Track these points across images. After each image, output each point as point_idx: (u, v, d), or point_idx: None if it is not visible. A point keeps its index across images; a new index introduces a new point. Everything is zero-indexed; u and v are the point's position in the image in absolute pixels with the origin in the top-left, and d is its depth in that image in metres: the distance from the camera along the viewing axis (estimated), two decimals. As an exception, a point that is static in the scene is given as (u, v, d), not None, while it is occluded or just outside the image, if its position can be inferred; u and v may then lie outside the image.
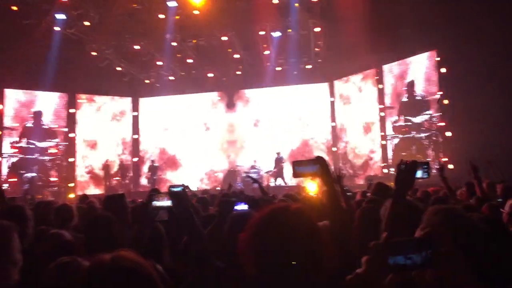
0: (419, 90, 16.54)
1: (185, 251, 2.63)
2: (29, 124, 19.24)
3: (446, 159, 14.56)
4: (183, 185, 2.57)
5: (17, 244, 2.19)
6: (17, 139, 18.83)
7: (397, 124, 17.34)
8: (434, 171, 12.31)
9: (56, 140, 19.74)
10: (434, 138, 15.85)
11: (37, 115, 19.48)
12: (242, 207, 3.03)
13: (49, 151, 19.60)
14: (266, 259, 1.71)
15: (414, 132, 16.58)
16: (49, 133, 19.73)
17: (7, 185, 17.82)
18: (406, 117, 16.96)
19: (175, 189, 2.54)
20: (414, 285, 1.52)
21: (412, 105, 16.70)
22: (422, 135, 16.26)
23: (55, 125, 19.99)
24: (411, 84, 16.77)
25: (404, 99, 17.08)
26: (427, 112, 16.05)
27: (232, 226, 2.51)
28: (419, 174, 2.52)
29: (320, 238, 1.77)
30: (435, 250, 1.27)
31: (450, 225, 1.66)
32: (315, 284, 1.71)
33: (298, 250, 1.69)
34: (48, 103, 19.95)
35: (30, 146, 18.99)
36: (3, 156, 18.47)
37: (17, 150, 18.78)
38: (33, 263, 2.54)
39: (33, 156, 18.98)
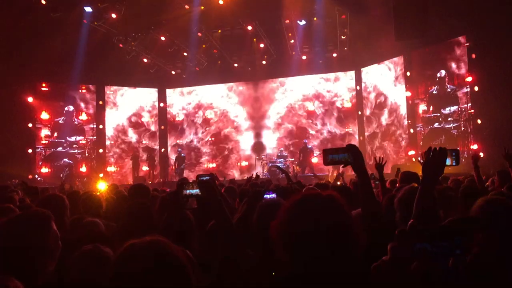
0: (449, 78, 16.20)
1: (211, 236, 2.67)
2: (61, 120, 19.67)
3: (476, 147, 14.26)
4: (211, 173, 2.63)
5: (54, 233, 2.24)
6: (49, 132, 19.32)
7: (426, 115, 17.05)
8: (463, 160, 12.08)
9: (84, 136, 20.12)
10: (463, 129, 15.54)
11: (69, 113, 19.87)
12: (271, 196, 3.05)
13: (80, 142, 20.02)
14: (297, 246, 1.72)
15: (444, 123, 16.29)
16: (79, 129, 20.15)
17: (38, 177, 18.32)
18: (435, 108, 16.66)
19: (203, 178, 2.60)
20: (438, 272, 1.50)
21: (442, 97, 16.38)
22: (452, 125, 15.97)
23: (84, 117, 20.37)
24: (441, 78, 16.40)
25: (434, 91, 16.75)
26: (456, 105, 15.76)
27: (262, 214, 2.53)
28: (448, 161, 2.49)
29: (352, 225, 1.76)
30: (465, 238, 1.25)
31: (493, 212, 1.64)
32: (346, 272, 1.71)
33: (329, 237, 1.69)
34: (78, 95, 20.35)
35: (61, 140, 19.46)
36: (36, 149, 18.97)
37: (47, 142, 19.27)
38: (68, 252, 2.61)
39: (64, 150, 19.45)
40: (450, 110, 16.05)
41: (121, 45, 17.94)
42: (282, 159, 19.19)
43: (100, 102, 20.90)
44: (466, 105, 15.37)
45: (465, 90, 15.40)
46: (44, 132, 19.24)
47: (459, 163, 2.60)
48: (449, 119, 16.09)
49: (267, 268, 2.14)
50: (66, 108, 19.81)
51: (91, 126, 20.44)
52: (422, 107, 17.27)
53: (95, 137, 20.33)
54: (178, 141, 22.51)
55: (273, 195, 3.10)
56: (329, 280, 1.67)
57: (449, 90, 16.15)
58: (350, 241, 1.72)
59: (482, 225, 1.70)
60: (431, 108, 16.89)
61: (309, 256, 1.69)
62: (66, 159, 19.17)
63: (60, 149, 19.42)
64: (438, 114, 16.51)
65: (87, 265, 2.26)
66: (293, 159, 19.69)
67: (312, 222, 1.70)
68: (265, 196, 3.02)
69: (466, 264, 1.31)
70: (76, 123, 20.04)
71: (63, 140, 19.53)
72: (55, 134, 19.42)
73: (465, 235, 1.23)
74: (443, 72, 16.32)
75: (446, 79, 16.25)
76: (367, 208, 2.34)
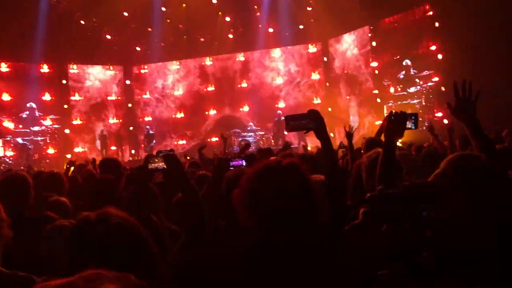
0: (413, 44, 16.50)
1: (179, 208, 2.71)
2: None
3: (441, 114, 14.61)
4: (171, 150, 2.68)
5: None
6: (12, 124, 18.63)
7: (395, 94, 17.38)
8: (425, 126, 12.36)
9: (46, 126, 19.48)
10: (424, 103, 16.03)
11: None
12: (238, 163, 3.09)
13: (44, 123, 19.47)
14: (259, 213, 1.75)
15: (409, 100, 16.71)
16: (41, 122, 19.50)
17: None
18: (402, 89, 17.09)
19: (163, 154, 2.66)
20: (408, 233, 1.56)
21: (408, 81, 16.82)
22: (416, 101, 16.42)
23: (48, 97, 19.75)
24: (407, 65, 16.76)
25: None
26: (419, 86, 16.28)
27: (229, 184, 2.55)
28: (408, 124, 2.59)
29: (312, 191, 1.79)
30: (430, 201, 1.29)
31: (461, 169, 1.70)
32: (308, 236, 1.75)
33: (290, 204, 1.72)
34: (40, 75, 19.68)
35: (26, 130, 18.79)
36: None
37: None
38: (33, 229, 2.59)
39: (29, 138, 18.84)
40: (415, 89, 16.48)
41: (82, 22, 17.42)
42: (252, 133, 19.24)
43: (64, 81, 20.32)
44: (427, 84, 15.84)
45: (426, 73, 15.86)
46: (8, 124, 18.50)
47: (418, 126, 2.69)
48: (415, 96, 16.54)
49: (234, 237, 2.17)
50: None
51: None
52: (392, 89, 17.57)
53: (59, 117, 19.72)
54: (145, 118, 22.22)
55: (242, 162, 3.13)
56: (291, 246, 1.70)
57: (412, 73, 16.61)
58: (311, 207, 1.75)
59: (451, 183, 1.75)
60: (399, 89, 17.24)
61: (271, 223, 1.72)
62: (22, 141, 18.42)
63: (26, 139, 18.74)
64: (405, 93, 16.93)
65: (56, 239, 2.26)
66: (263, 133, 19.73)
67: (273, 189, 1.73)
68: (232, 163, 3.06)
69: (433, 227, 1.37)
70: (37, 115, 19.35)
71: (28, 130, 18.89)
72: (20, 126, 18.75)
73: (429, 198, 1.28)
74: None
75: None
76: (330, 173, 2.37)
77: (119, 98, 21.99)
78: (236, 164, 3.07)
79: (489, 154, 2.28)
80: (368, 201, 1.24)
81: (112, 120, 21.64)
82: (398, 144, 3.23)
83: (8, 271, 1.93)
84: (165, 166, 2.67)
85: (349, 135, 5.18)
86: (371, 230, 1.22)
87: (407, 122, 2.57)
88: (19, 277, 1.89)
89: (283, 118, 15.57)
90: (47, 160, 18.28)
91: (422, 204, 1.24)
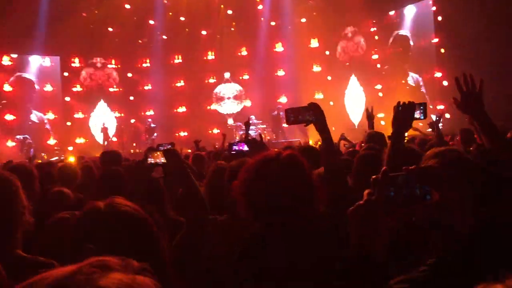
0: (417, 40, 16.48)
1: (181, 203, 2.72)
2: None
3: (443, 107, 14.59)
4: (171, 143, 2.67)
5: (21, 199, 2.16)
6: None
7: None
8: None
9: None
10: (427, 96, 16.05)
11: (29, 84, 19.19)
12: (240, 147, 3.08)
13: (46, 116, 19.52)
14: (258, 207, 1.77)
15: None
16: (44, 100, 19.56)
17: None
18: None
19: (163, 148, 2.64)
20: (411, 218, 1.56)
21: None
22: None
23: (49, 88, 19.77)
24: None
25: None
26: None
27: (232, 174, 2.57)
28: (416, 114, 2.57)
29: (311, 183, 1.81)
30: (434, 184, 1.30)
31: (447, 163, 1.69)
32: (312, 234, 1.78)
33: (288, 196, 1.74)
34: (40, 67, 19.69)
35: (27, 112, 18.87)
36: None
37: (14, 117, 18.69)
38: (39, 221, 2.61)
39: (30, 123, 18.90)
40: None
41: (84, 14, 17.38)
42: (253, 126, 19.23)
43: (65, 74, 20.29)
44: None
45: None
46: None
47: (427, 116, 2.67)
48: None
49: (235, 229, 2.19)
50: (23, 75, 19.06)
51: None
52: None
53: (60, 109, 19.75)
54: (147, 112, 22.18)
55: (243, 146, 3.12)
56: (290, 236, 1.73)
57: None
58: (310, 198, 1.77)
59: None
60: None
61: (270, 214, 1.74)
62: (19, 136, 18.44)
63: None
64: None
65: (61, 232, 2.27)
66: (264, 126, 19.70)
67: (272, 181, 1.74)
68: (234, 147, 3.06)
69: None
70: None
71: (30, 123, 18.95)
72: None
73: (433, 183, 1.29)
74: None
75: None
76: (328, 166, 2.39)
77: (120, 89, 21.94)
78: (238, 148, 3.07)
79: (500, 147, 2.26)
80: (372, 183, 1.25)
81: (114, 113, 21.61)
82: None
83: (30, 256, 1.99)
84: (164, 161, 2.65)
85: (370, 116, 5.27)
86: (375, 211, 1.23)
87: (416, 112, 2.55)
88: (40, 261, 1.94)
89: (281, 113, 15.66)
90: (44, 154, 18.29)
91: (426, 187, 1.26)
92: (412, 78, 16.94)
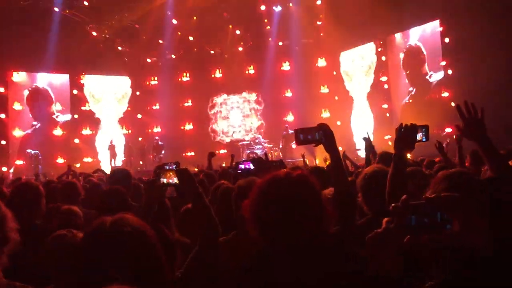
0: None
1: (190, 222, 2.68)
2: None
3: (451, 130, 14.51)
4: (177, 162, 2.60)
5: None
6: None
7: (403, 102, 17.33)
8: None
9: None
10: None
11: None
12: (246, 166, 3.06)
13: (54, 132, 19.64)
14: (268, 226, 1.75)
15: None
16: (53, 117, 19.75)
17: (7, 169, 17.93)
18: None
19: (168, 167, 2.59)
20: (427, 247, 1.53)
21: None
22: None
23: (59, 107, 19.96)
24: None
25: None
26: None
27: (240, 192, 2.55)
28: (418, 136, 2.56)
29: (322, 204, 1.79)
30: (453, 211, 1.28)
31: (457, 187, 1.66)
32: (318, 249, 1.75)
33: (299, 216, 1.72)
34: (50, 84, 19.91)
35: (36, 127, 19.02)
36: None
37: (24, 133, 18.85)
38: (44, 239, 2.59)
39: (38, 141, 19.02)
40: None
41: (94, 33, 17.62)
42: (260, 145, 19.24)
43: (75, 91, 20.47)
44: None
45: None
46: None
47: (429, 138, 2.65)
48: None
49: (243, 247, 2.17)
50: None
51: (65, 118, 20.02)
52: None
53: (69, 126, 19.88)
54: (154, 129, 22.27)
55: (249, 165, 3.10)
56: (296, 250, 1.71)
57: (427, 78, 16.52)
58: (319, 218, 1.75)
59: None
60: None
61: (278, 234, 1.72)
62: (30, 150, 18.55)
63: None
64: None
65: (58, 249, 2.25)
66: (271, 145, 19.70)
67: (281, 201, 1.73)
68: (240, 166, 3.04)
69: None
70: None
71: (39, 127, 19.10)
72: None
73: (449, 210, 1.27)
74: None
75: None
76: (338, 186, 2.37)
77: (129, 108, 22.11)
78: (244, 167, 3.04)
79: (503, 172, 2.26)
80: (392, 212, 1.23)
81: (122, 131, 21.73)
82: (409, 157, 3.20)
83: (6, 280, 1.89)
84: (177, 181, 2.62)
85: (367, 141, 5.24)
86: (393, 239, 1.21)
87: (418, 134, 2.54)
88: (15, 287, 1.86)
89: (291, 131, 15.69)
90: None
91: (447, 216, 1.23)
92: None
